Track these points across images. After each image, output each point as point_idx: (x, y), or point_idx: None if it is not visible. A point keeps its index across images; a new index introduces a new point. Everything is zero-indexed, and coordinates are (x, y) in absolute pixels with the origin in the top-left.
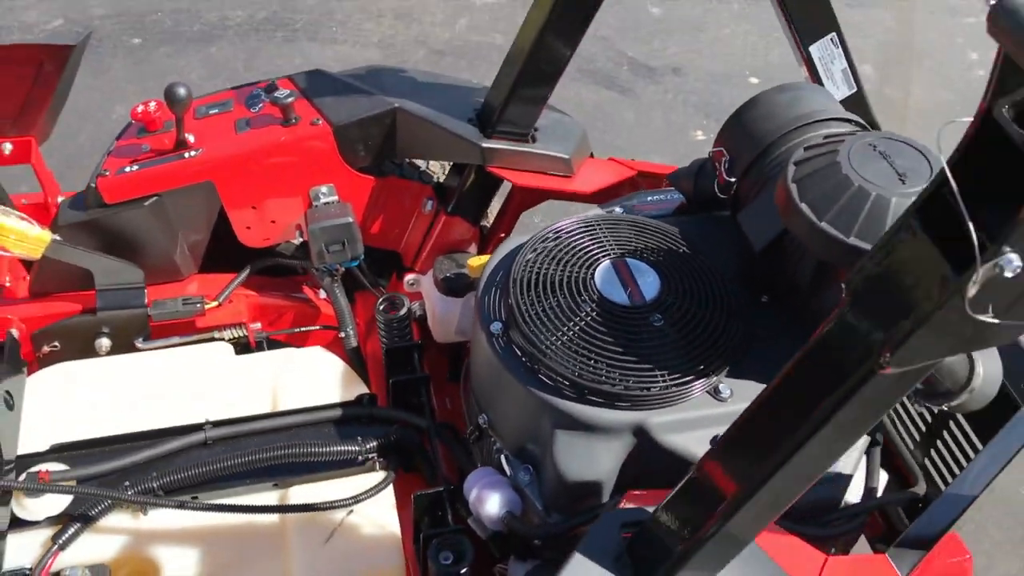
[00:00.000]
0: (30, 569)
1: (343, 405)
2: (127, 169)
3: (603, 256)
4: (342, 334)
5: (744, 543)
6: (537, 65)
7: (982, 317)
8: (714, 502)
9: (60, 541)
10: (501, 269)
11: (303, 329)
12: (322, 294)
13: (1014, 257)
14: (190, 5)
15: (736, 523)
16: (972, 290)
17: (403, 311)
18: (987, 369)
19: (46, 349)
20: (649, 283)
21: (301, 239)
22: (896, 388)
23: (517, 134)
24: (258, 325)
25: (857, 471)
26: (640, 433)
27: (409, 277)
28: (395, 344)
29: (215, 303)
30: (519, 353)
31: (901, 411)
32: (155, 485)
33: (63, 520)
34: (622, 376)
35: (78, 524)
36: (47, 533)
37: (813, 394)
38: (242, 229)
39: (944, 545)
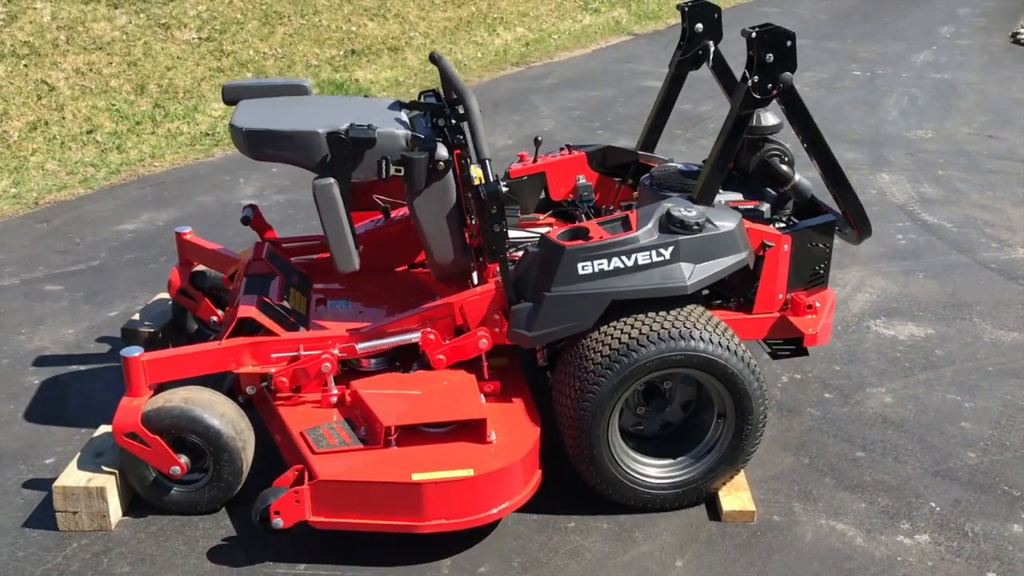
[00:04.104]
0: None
1: None
2: (516, 167)
3: (679, 163)
4: None
5: (720, 174)
6: (659, 115)
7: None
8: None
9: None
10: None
11: None
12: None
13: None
14: None
15: (710, 173)
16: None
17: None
18: (800, 180)
19: None
20: (692, 168)
21: (572, 197)
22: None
23: (650, 150)
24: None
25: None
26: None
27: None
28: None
29: (541, 217)
30: (655, 186)
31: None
32: None
33: None
34: (686, 185)
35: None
36: None
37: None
38: (554, 192)
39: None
